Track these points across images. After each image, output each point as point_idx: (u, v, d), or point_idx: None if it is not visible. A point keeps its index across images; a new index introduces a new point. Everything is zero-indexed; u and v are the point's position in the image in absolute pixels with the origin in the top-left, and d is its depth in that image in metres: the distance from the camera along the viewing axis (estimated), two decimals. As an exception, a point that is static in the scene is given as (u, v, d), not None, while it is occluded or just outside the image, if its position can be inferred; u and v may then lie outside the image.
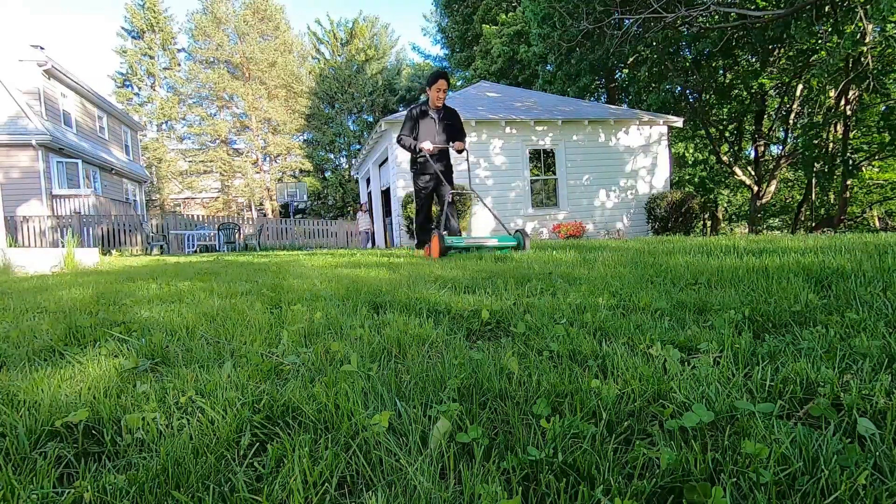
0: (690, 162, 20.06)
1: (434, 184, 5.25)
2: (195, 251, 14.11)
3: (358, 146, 33.00)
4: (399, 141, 5.22)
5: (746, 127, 18.69)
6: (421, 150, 5.08)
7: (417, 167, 5.26)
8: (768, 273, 2.18)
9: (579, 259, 3.54)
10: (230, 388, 1.08)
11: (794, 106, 16.84)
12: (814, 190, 18.27)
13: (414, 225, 5.49)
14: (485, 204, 5.26)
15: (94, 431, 0.93)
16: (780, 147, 18.81)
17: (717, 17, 13.61)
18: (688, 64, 15.82)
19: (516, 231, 4.66)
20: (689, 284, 2.08)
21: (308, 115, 33.05)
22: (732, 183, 21.65)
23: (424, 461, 0.76)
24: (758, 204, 17.72)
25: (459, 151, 5.20)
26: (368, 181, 15.24)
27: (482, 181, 11.20)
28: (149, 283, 3.12)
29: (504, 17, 23.18)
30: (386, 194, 13.59)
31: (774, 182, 17.90)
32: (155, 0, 30.87)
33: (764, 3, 13.16)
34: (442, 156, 5.33)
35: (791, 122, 17.32)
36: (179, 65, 32.41)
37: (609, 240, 7.74)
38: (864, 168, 16.20)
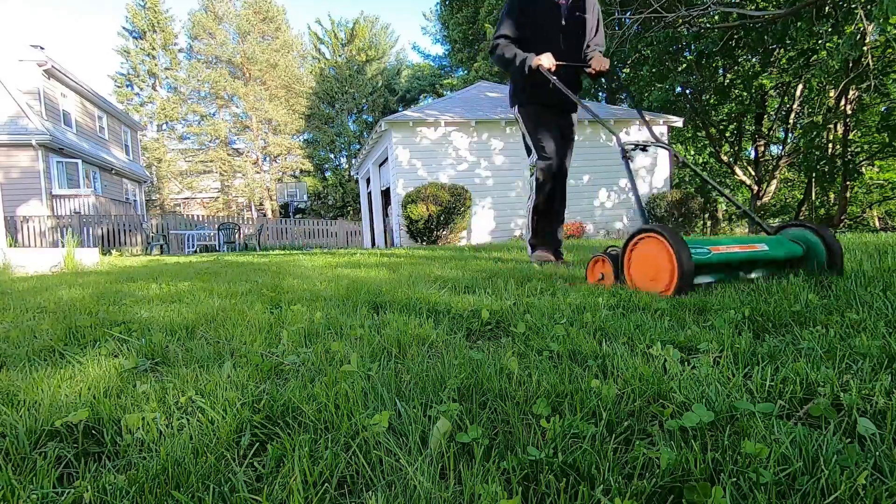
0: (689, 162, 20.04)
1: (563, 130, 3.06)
2: (195, 251, 14.11)
3: (358, 146, 33.00)
4: (493, 50, 3.01)
5: (746, 127, 18.70)
6: (534, 70, 2.80)
7: (530, 95, 3.04)
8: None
9: (580, 259, 3.54)
10: (230, 388, 1.08)
11: (794, 106, 16.85)
12: (814, 190, 18.27)
13: (530, 210, 3.13)
14: (727, 197, 2.40)
15: (94, 431, 0.93)
16: (780, 147, 18.82)
17: (717, 17, 13.62)
18: (688, 63, 15.83)
19: (799, 226, 2.14)
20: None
21: (308, 116, 33.06)
22: (732, 183, 21.65)
23: (424, 461, 0.76)
24: (758, 204, 17.72)
25: (597, 75, 2.85)
26: (368, 181, 15.24)
27: (482, 181, 11.20)
28: (149, 283, 3.12)
29: None
30: (386, 194, 13.58)
31: (774, 182, 17.91)
32: (156, 0, 30.87)
33: (764, 3, 13.16)
34: (569, 80, 2.95)
35: (791, 122, 17.32)
36: (180, 64, 32.42)
37: (609, 240, 7.75)
38: (863, 169, 16.20)
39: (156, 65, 31.52)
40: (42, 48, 15.04)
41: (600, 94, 22.16)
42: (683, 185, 20.53)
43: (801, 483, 0.66)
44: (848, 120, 14.74)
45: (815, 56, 13.56)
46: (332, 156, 35.32)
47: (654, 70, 15.94)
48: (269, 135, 32.71)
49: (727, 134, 18.78)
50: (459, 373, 1.10)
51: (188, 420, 0.94)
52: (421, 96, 33.04)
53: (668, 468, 0.70)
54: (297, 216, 24.13)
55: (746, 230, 22.25)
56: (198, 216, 17.15)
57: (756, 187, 17.61)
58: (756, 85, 15.87)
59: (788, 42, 13.13)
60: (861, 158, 15.68)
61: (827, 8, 11.29)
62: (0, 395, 1.09)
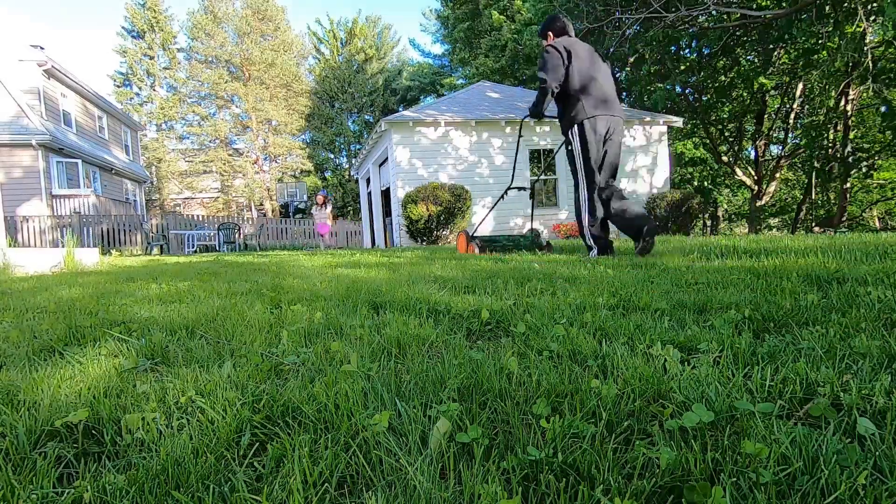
0: (688, 159, 20.03)
1: None
2: (195, 251, 14.11)
3: (358, 146, 32.99)
4: None
5: (747, 127, 18.69)
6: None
7: None
8: (768, 273, 2.18)
9: (580, 259, 3.54)
10: (230, 387, 1.08)
11: (795, 106, 16.85)
12: (814, 190, 18.27)
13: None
14: None
15: (94, 431, 0.93)
16: (780, 147, 18.82)
17: (717, 16, 13.61)
18: (689, 64, 15.82)
19: (531, 231, 5.02)
20: (690, 284, 2.08)
21: (308, 115, 33.04)
22: (732, 183, 21.65)
23: (424, 461, 0.75)
24: (757, 204, 17.72)
25: None
26: (368, 181, 15.23)
27: (482, 181, 11.20)
28: (149, 283, 3.12)
29: (518, 2, 22.91)
30: (386, 194, 13.58)
31: (774, 182, 17.90)
32: (156, 0, 30.86)
33: (765, 2, 13.15)
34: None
35: (791, 122, 17.32)
36: (180, 64, 32.40)
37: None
38: (864, 168, 16.20)
39: (154, 64, 31.50)
40: (42, 48, 15.04)
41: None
42: (684, 184, 20.53)
43: (801, 483, 0.66)
44: (848, 120, 14.73)
45: (816, 56, 13.56)
46: (332, 156, 35.31)
47: (653, 70, 15.93)
48: (269, 135, 32.70)
49: (727, 134, 18.78)
50: (459, 373, 1.10)
51: (188, 420, 0.94)
52: (421, 96, 33.02)
53: (668, 468, 0.70)
54: (297, 216, 24.09)
55: (746, 230, 22.25)
56: (198, 216, 17.15)
57: (756, 187, 17.60)
58: (756, 84, 15.87)
59: (788, 40, 13.11)
60: (863, 157, 15.67)
61: (827, 8, 11.28)
62: (0, 395, 1.09)
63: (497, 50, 23.52)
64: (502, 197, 5.13)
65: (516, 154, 4.91)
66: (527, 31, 19.09)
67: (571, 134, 3.72)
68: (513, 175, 5.06)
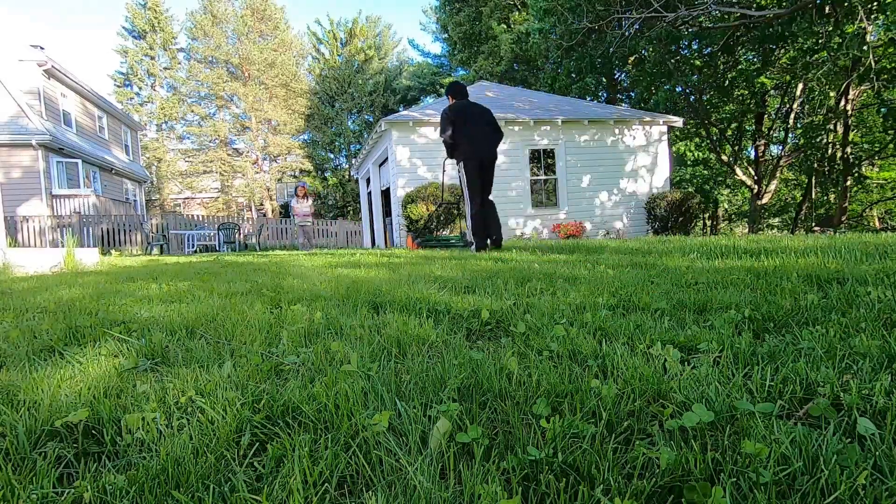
0: (690, 161, 20.02)
1: None
2: (195, 251, 14.11)
3: (358, 146, 32.97)
4: None
5: (747, 127, 18.68)
6: None
7: None
8: (768, 273, 2.18)
9: (580, 259, 3.54)
10: (230, 387, 1.08)
11: (794, 106, 16.85)
12: (814, 190, 18.27)
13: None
14: None
15: (94, 431, 0.93)
16: (780, 147, 18.82)
17: (718, 16, 13.59)
18: (689, 64, 15.81)
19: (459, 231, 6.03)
20: (690, 284, 2.08)
21: (308, 115, 33.02)
22: (732, 183, 21.65)
23: (424, 461, 0.75)
24: (757, 204, 17.71)
25: None
26: (368, 181, 15.23)
27: (482, 181, 11.20)
28: (149, 283, 3.12)
29: (516, 15, 23.08)
30: (386, 194, 13.57)
31: (774, 182, 17.89)
32: (156, 0, 30.86)
33: (766, 2, 13.14)
34: None
35: (791, 122, 17.32)
36: (180, 64, 32.40)
37: (608, 240, 7.74)
38: (864, 168, 16.18)
39: (155, 64, 31.49)
40: (42, 48, 15.04)
41: (601, 93, 22.15)
42: (684, 184, 20.51)
43: (801, 483, 0.66)
44: (848, 120, 14.72)
45: (816, 56, 13.54)
46: (332, 156, 35.28)
47: (655, 69, 15.92)
48: (268, 135, 32.68)
49: (728, 134, 18.78)
50: (459, 373, 1.09)
51: (188, 420, 0.94)
52: (421, 96, 32.99)
53: (668, 468, 0.70)
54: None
55: (746, 230, 22.24)
56: (198, 216, 17.15)
57: (756, 187, 17.59)
58: (757, 84, 15.86)
59: (788, 38, 13.10)
60: (862, 158, 15.66)
61: (827, 8, 11.28)
62: (0, 395, 1.09)
63: (495, 56, 23.54)
64: (439, 207, 7.00)
65: (443, 175, 6.54)
66: (529, 36, 19.07)
67: (460, 168, 5.26)
68: (442, 191, 6.99)
